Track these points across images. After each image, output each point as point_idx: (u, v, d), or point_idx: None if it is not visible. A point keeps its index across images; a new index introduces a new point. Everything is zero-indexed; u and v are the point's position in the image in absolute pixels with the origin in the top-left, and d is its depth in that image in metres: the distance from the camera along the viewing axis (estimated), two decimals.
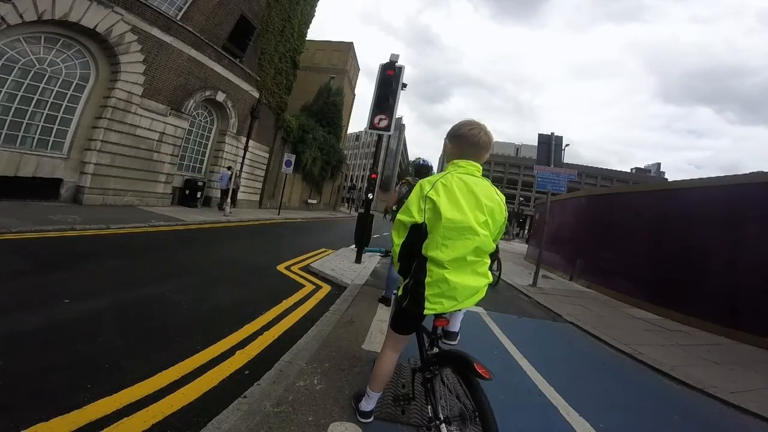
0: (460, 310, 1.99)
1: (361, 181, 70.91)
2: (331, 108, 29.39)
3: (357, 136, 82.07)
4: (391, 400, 2.44)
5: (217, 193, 14.88)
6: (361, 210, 8.24)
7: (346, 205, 46.70)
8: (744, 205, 6.45)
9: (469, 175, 1.83)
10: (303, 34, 19.79)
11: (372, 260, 8.39)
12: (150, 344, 2.91)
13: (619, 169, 77.24)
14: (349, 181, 59.74)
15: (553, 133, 9.57)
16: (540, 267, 9.34)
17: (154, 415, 2.04)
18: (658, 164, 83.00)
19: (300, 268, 6.63)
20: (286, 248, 8.88)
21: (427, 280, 1.74)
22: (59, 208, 8.14)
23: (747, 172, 8.96)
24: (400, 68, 7.85)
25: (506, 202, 1.88)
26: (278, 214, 16.98)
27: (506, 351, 4.01)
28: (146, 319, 3.37)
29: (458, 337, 2.69)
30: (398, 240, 1.87)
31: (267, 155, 18.79)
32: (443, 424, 1.80)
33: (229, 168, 14.35)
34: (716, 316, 6.12)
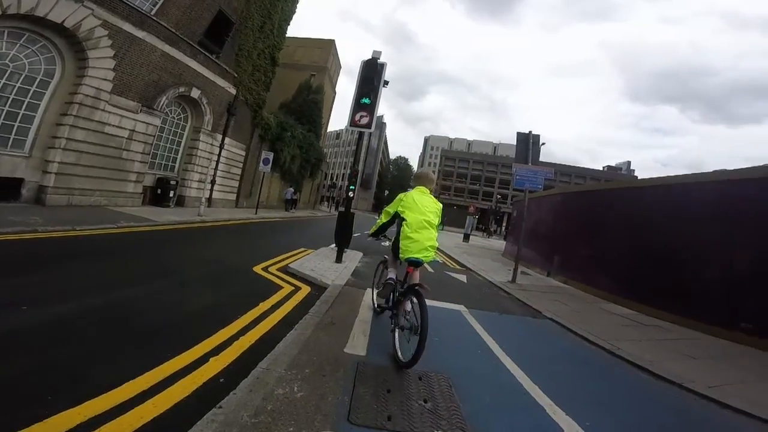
0: (420, 263, 3.46)
1: (342, 179, 70.44)
2: (311, 106, 28.95)
3: (337, 135, 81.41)
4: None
5: (191, 192, 14.60)
6: (341, 208, 8.12)
7: (326, 203, 46.25)
8: (708, 202, 6.69)
9: (421, 192, 3.67)
10: (283, 30, 19.44)
11: (353, 260, 8.30)
12: (116, 352, 2.75)
13: (591, 167, 79.48)
14: (330, 179, 59.19)
15: (530, 132, 9.71)
16: (518, 263, 9.45)
17: (122, 428, 1.93)
18: (629, 162, 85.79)
19: (278, 269, 6.46)
20: (263, 248, 8.66)
21: (401, 237, 3.46)
22: (20, 209, 7.67)
23: (709, 170, 9.35)
24: (382, 65, 7.78)
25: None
26: (255, 214, 16.62)
27: (489, 350, 4.01)
28: (112, 326, 3.19)
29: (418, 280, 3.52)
30: (383, 220, 3.87)
31: (243, 153, 18.33)
32: (397, 329, 3.30)
33: (291, 187, 24.10)
34: (688, 311, 6.30)
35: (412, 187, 3.75)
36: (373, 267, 7.50)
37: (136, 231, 7.99)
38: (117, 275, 4.67)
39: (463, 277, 9.13)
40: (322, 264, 7.22)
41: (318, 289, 5.54)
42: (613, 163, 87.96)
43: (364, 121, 7.44)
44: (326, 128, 41.37)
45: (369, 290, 5.57)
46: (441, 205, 3.71)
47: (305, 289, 5.44)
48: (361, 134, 8.38)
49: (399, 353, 3.14)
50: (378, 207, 70.84)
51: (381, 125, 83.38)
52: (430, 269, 9.58)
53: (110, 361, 2.60)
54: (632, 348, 4.62)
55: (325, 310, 4.32)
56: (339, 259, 7.62)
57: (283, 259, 7.38)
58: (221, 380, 2.58)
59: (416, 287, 3.17)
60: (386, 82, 7.96)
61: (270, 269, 6.36)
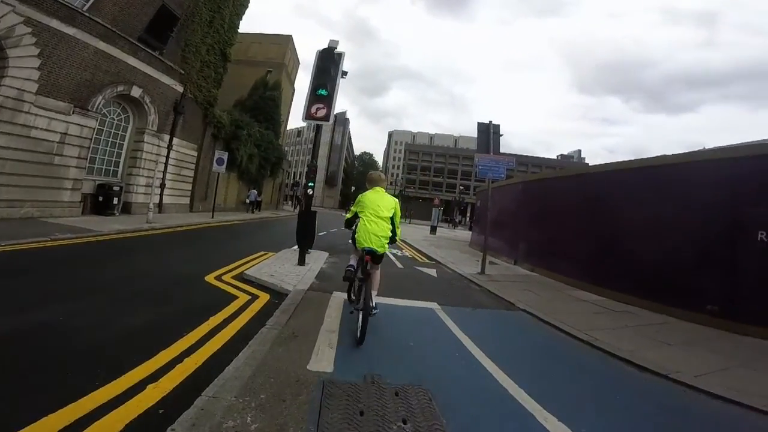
0: (375, 253, 3.87)
1: (305, 178, 68.80)
2: (268, 103, 27.75)
3: (299, 132, 79.06)
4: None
5: (138, 198, 13.45)
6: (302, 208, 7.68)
7: (290, 202, 44.97)
8: (661, 187, 6.77)
9: (375, 192, 4.18)
10: (235, 25, 18.55)
11: (318, 260, 7.89)
12: (32, 383, 2.33)
13: (546, 156, 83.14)
14: (292, 178, 57.63)
15: (491, 122, 9.68)
16: (486, 254, 9.39)
17: None
18: (579, 150, 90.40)
19: (233, 277, 5.94)
20: (218, 255, 8.02)
21: (357, 230, 4.01)
22: None
23: (652, 155, 9.72)
24: (340, 54, 7.41)
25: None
26: (212, 217, 15.70)
27: (468, 351, 3.76)
28: (27, 353, 2.73)
29: (378, 270, 4.14)
30: (348, 216, 4.33)
31: (195, 154, 17.19)
32: (358, 311, 3.68)
33: (254, 189, 23.94)
34: (654, 295, 6.30)
35: (368, 189, 4.26)
36: (339, 267, 7.13)
37: (73, 243, 7.19)
38: (42, 293, 4.09)
39: (433, 272, 8.95)
40: (283, 268, 6.75)
41: (278, 296, 5.09)
42: (565, 152, 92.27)
43: (321, 113, 7.03)
44: (286, 126, 40.10)
45: (336, 294, 5.23)
46: (396, 199, 4.28)
47: (263, 298, 4.99)
48: (318, 128, 7.97)
49: (358, 332, 3.56)
50: (344, 204, 70.70)
51: (344, 121, 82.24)
52: (399, 265, 9.35)
53: (23, 394, 2.19)
54: (608, 337, 4.52)
55: (285, 320, 3.91)
56: (302, 262, 7.18)
57: (240, 265, 6.83)
58: (161, 411, 2.20)
59: (369, 272, 3.79)
60: (345, 73, 7.59)
61: (224, 278, 5.83)
